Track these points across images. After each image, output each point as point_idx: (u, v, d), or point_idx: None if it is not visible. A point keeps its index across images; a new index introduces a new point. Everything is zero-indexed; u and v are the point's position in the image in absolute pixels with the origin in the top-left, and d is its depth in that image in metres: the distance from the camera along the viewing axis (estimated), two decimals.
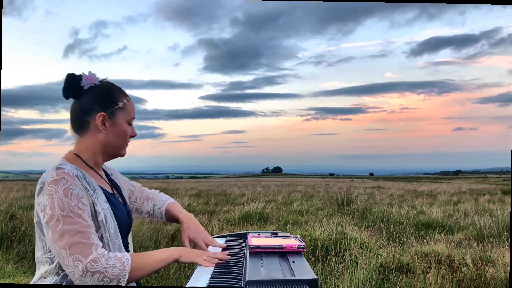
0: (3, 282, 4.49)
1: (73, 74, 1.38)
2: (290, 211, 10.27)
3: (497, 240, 6.12)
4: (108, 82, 1.44)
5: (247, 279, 1.10)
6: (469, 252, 5.02)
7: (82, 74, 1.39)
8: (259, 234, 1.64)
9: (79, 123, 1.39)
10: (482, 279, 3.83)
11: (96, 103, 1.37)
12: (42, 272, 1.29)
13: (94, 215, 1.29)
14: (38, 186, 1.27)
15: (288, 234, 1.64)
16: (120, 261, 1.18)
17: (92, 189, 1.31)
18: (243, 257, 1.45)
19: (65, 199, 1.20)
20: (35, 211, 1.29)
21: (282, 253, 1.40)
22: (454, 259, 4.30)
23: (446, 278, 3.82)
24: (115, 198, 1.46)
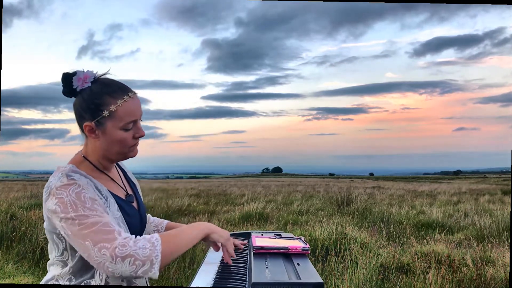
0: (3, 282, 4.48)
1: (67, 73, 1.25)
2: (290, 211, 10.26)
3: (497, 240, 6.12)
4: (99, 83, 1.25)
5: (252, 280, 1.09)
6: (469, 252, 5.02)
7: (76, 72, 1.25)
8: (262, 234, 1.63)
9: (79, 126, 1.29)
10: (482, 279, 3.84)
11: (84, 111, 1.24)
12: (55, 274, 1.25)
13: None
14: (45, 193, 1.19)
15: (291, 235, 1.63)
16: (150, 241, 1.11)
17: (104, 198, 1.23)
18: (247, 258, 1.45)
19: (78, 201, 1.13)
20: (44, 217, 1.22)
21: (286, 255, 1.38)
22: (454, 259, 4.31)
23: (446, 278, 3.83)
24: (128, 203, 1.35)
